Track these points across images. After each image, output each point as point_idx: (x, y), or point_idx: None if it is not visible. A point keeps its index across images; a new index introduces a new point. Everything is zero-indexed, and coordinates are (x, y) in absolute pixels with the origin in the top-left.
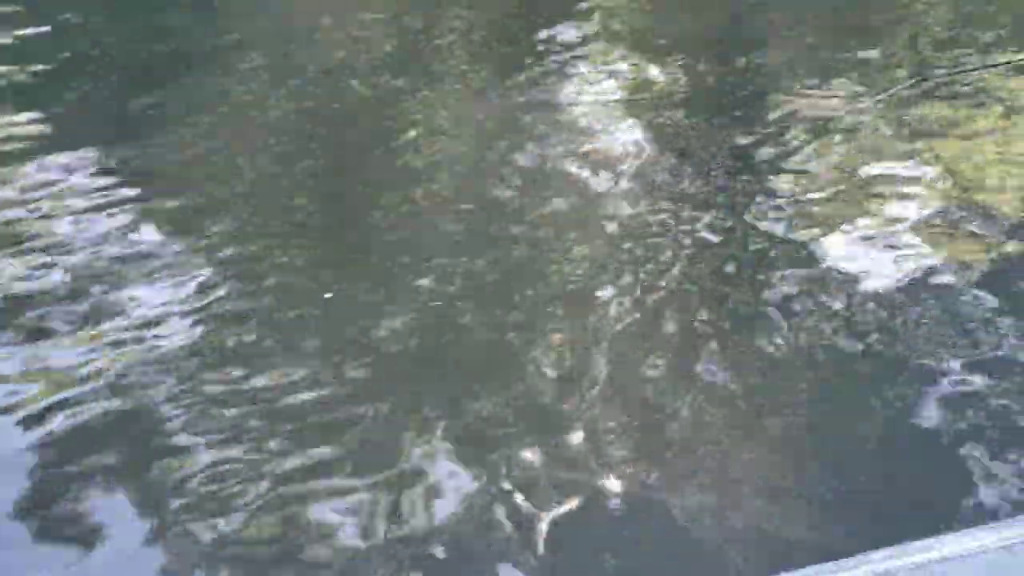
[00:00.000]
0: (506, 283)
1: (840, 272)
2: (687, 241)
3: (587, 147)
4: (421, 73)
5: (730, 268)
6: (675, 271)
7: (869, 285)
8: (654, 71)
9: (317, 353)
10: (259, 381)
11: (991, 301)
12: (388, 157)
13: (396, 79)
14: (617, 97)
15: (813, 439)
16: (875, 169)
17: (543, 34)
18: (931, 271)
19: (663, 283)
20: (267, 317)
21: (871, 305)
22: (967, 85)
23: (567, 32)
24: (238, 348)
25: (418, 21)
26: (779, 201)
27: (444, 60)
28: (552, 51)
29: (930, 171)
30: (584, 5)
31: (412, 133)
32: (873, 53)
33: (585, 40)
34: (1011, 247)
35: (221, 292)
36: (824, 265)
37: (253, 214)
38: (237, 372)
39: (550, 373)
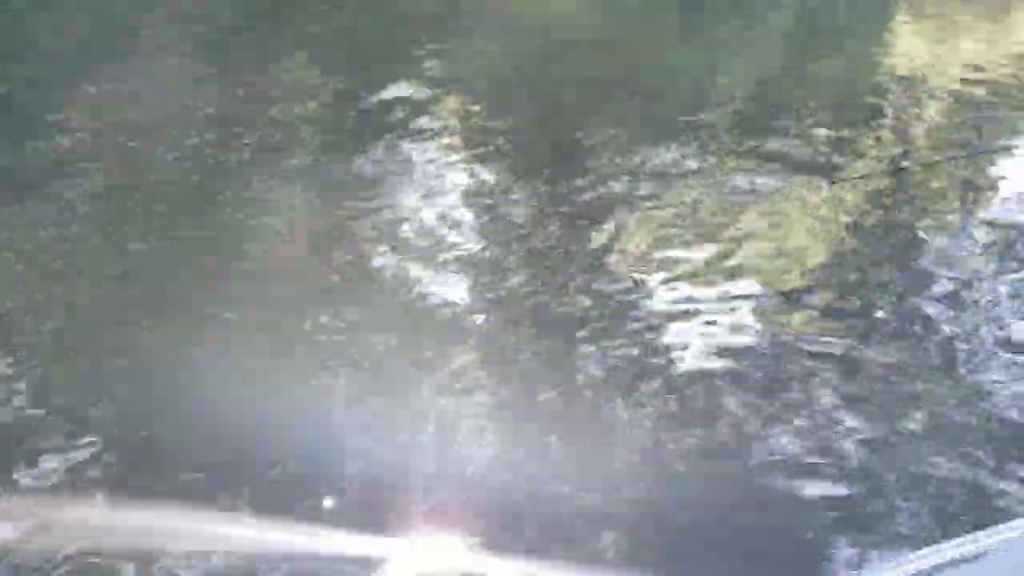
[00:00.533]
0: None
1: None
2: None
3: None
4: (252, 139)
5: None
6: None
7: None
8: (492, 138)
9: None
10: None
11: None
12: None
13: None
14: (453, 160)
15: None
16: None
17: (379, 97)
18: None
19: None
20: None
21: None
22: None
23: (402, 93)
24: None
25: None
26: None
27: (276, 124)
28: (388, 114)
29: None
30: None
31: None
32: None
33: (422, 104)
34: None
35: None
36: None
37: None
38: None
39: None
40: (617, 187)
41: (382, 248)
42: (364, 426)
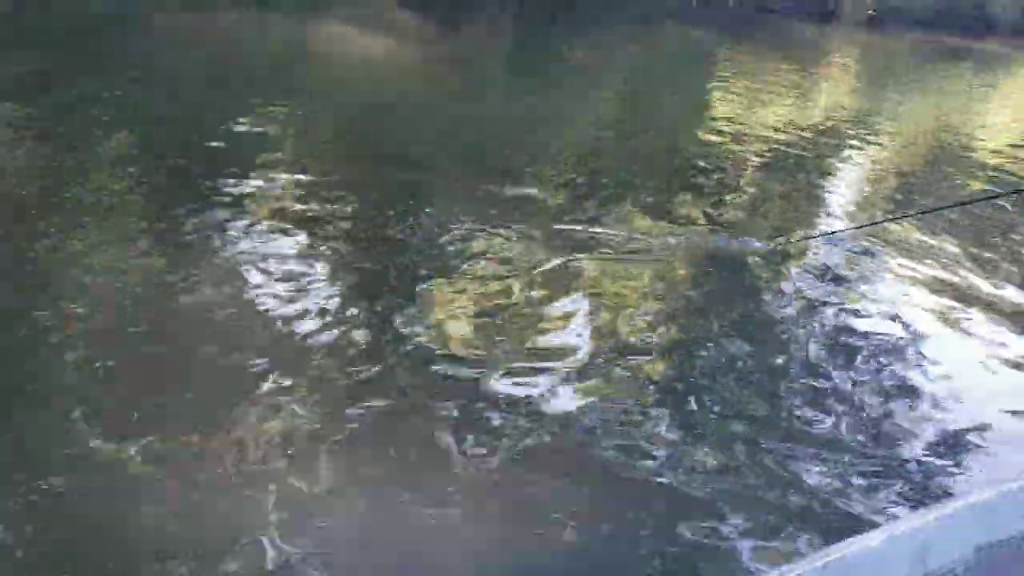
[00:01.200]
0: None
1: None
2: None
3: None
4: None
5: None
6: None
7: None
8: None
9: None
10: None
11: None
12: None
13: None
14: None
15: None
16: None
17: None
18: None
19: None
20: None
21: None
22: None
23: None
24: None
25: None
26: None
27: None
28: (216, 180)
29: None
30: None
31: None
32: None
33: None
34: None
35: None
36: None
37: None
38: None
39: None
40: (432, 264)
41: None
42: None
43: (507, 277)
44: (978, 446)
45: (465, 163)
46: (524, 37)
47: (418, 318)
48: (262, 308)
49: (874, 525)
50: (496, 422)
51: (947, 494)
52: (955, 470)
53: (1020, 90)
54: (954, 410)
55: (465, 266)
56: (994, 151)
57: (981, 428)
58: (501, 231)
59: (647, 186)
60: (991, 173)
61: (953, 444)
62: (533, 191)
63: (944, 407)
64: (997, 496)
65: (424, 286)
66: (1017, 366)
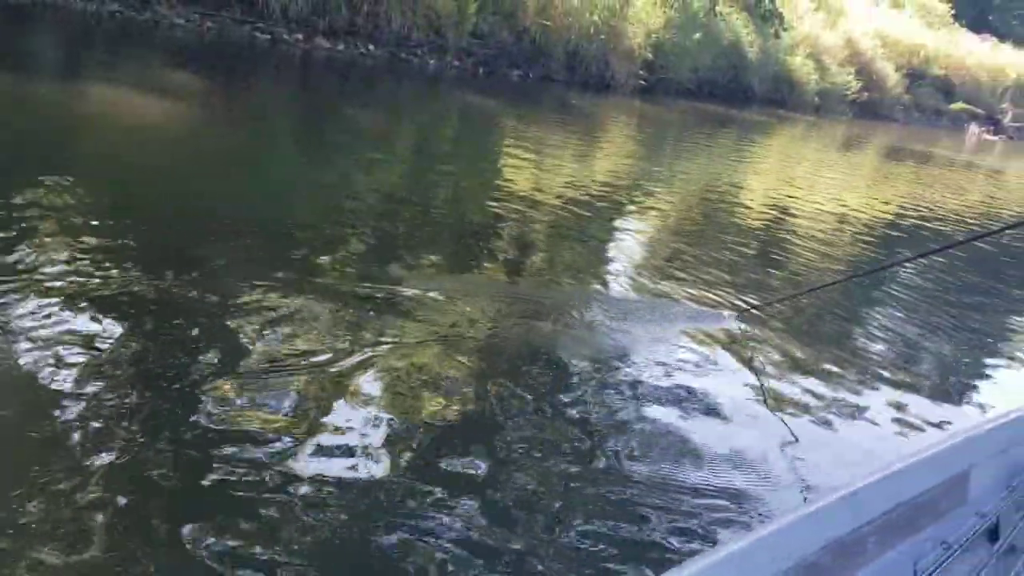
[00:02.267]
0: None
1: None
2: None
3: None
4: None
5: None
6: None
7: None
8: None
9: None
10: None
11: None
12: None
13: None
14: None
15: None
16: None
17: None
18: None
19: None
20: None
21: None
22: None
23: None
24: None
25: None
26: None
27: None
28: None
29: None
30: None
31: None
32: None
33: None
34: None
35: None
36: None
37: None
38: None
39: None
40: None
41: None
42: None
43: (296, 367)
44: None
45: (246, 234)
46: (308, 103)
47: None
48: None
49: None
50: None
51: None
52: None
53: (776, 153)
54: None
55: (251, 352)
56: (759, 210)
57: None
58: (286, 310)
59: (440, 251)
60: (757, 231)
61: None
62: (325, 258)
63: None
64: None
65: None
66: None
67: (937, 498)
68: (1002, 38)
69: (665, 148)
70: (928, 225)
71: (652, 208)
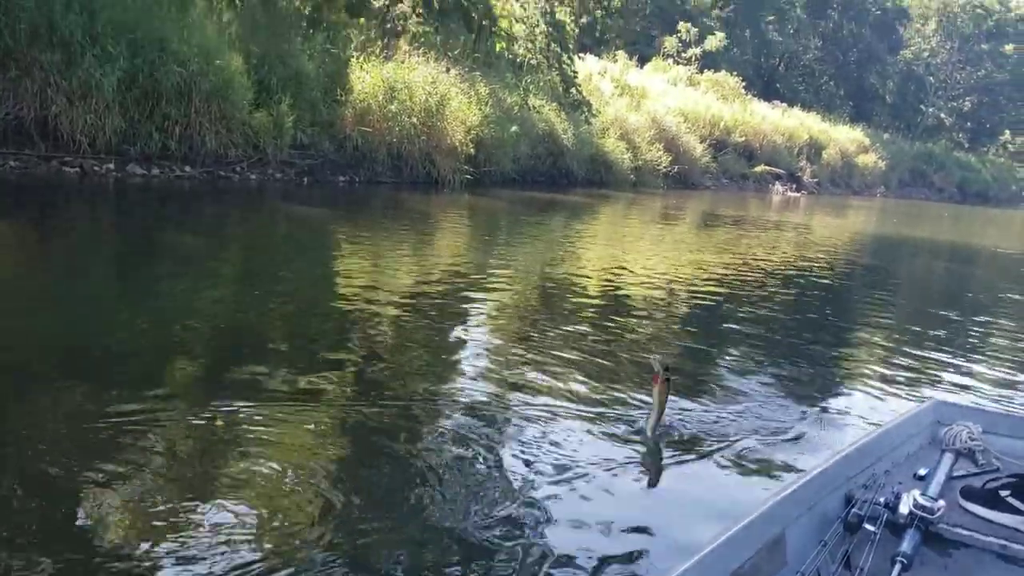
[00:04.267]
0: None
1: None
2: None
3: None
4: None
5: None
6: None
7: None
8: None
9: None
10: None
11: None
12: None
13: None
14: None
15: None
16: None
17: None
18: None
19: None
20: None
21: None
22: None
23: None
24: None
25: None
26: None
27: None
28: None
29: None
30: None
31: None
32: None
33: None
34: None
35: None
36: None
37: None
38: None
39: None
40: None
41: None
42: None
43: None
44: None
45: (67, 377)
46: (124, 232)
47: None
48: None
49: None
50: None
51: None
52: None
53: (603, 230)
54: None
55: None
56: (594, 290)
57: None
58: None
59: (289, 364)
60: (595, 308)
61: None
62: (160, 390)
63: None
64: None
65: None
66: None
67: (759, 565)
68: (790, 103)
69: (499, 238)
70: (750, 281)
71: (493, 300)
